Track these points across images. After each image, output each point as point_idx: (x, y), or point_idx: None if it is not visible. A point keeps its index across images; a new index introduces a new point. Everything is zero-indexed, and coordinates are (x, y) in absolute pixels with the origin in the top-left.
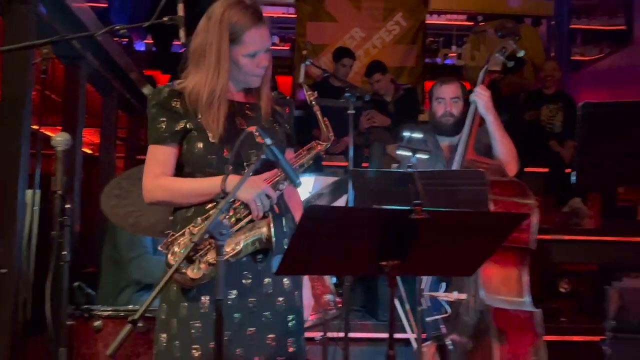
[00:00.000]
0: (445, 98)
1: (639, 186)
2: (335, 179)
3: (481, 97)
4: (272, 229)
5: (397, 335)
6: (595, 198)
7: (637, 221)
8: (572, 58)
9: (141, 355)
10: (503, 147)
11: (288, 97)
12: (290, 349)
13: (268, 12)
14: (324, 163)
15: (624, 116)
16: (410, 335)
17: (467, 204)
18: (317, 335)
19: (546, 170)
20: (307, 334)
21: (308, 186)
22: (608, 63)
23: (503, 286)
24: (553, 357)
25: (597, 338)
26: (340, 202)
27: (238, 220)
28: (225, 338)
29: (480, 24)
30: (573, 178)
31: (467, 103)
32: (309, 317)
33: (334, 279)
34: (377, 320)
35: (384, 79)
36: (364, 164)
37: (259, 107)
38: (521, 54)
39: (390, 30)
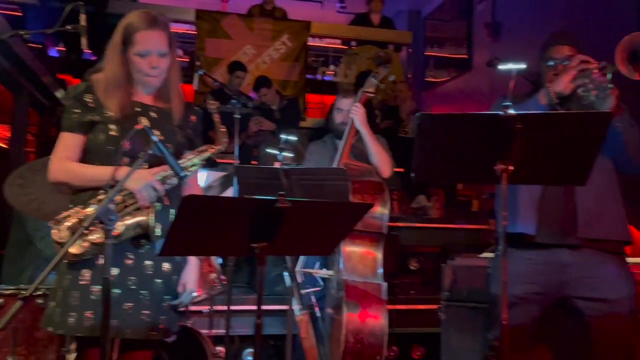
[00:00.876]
0: (343, 109)
1: (471, 184)
2: (224, 173)
3: (356, 114)
4: (153, 218)
5: (276, 307)
6: (440, 193)
7: (472, 212)
8: (425, 79)
9: (42, 329)
10: (375, 155)
11: (197, 108)
12: (162, 326)
13: (173, 28)
14: (217, 160)
15: (454, 126)
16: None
17: (332, 196)
18: (205, 309)
19: (402, 170)
20: (195, 308)
21: (201, 180)
22: (454, 84)
23: (360, 264)
24: (404, 322)
25: (437, 306)
26: (228, 193)
27: (126, 207)
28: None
29: (353, 47)
30: (412, 175)
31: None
32: (197, 292)
33: (220, 260)
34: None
35: (269, 92)
36: (253, 162)
37: (167, 111)
38: (392, 78)
39: (278, 49)
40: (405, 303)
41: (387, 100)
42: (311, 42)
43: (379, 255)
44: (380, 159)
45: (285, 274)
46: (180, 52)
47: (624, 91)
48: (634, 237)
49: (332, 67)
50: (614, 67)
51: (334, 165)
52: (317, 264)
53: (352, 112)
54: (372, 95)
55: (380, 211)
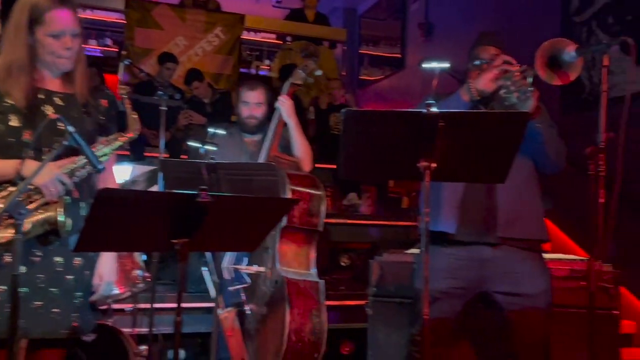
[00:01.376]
0: (250, 102)
1: (396, 181)
2: (150, 168)
3: (284, 105)
4: (62, 213)
5: (203, 304)
6: (371, 190)
7: (402, 209)
8: (360, 77)
9: None
10: (301, 148)
11: (107, 91)
12: (75, 324)
13: (103, 16)
14: (145, 154)
15: (379, 123)
16: (213, 304)
17: (261, 191)
18: (127, 307)
19: (334, 166)
20: (118, 306)
21: (126, 174)
22: (388, 83)
23: (294, 261)
24: (335, 318)
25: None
26: (154, 189)
27: (31, 203)
28: (7, 310)
29: (288, 42)
30: (340, 171)
31: (272, 107)
32: (120, 290)
33: (144, 256)
34: (185, 292)
35: (201, 86)
36: (182, 156)
37: (74, 97)
38: (318, 72)
39: (211, 41)
40: (335, 299)
41: (318, 97)
42: (246, 35)
43: (313, 252)
44: (305, 152)
45: (205, 269)
46: (109, 41)
47: (548, 93)
48: (552, 234)
49: (267, 61)
50: (534, 71)
51: (261, 159)
52: (245, 260)
53: (279, 103)
54: (298, 87)
55: (318, 208)
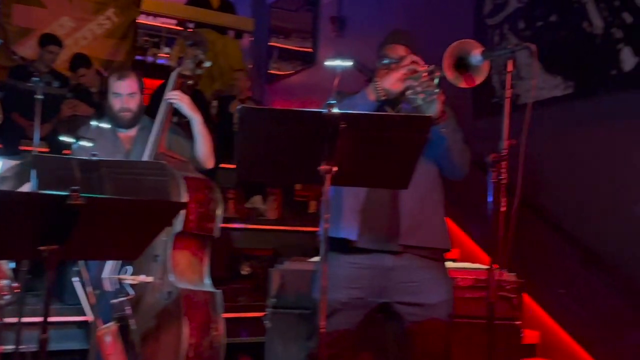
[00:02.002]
0: (121, 93)
1: (296, 184)
2: (20, 162)
3: (182, 101)
4: None
5: (78, 318)
6: (277, 193)
7: (309, 214)
8: (269, 71)
9: None
10: (204, 146)
11: None
12: None
13: None
14: (21, 147)
15: (278, 122)
16: (90, 318)
17: (150, 193)
18: None
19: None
20: None
21: None
22: (298, 79)
23: (189, 270)
24: (234, 331)
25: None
26: (26, 188)
27: None
28: None
29: (189, 29)
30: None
31: (152, 98)
32: None
33: (12, 264)
34: (63, 304)
35: (89, 73)
36: (65, 151)
37: None
38: (207, 64)
39: (102, 24)
40: (234, 311)
41: (222, 90)
42: (143, 19)
43: (207, 260)
44: (209, 150)
45: (75, 279)
46: None
47: (460, 96)
48: (460, 241)
49: (166, 49)
50: (442, 72)
51: (145, 157)
52: (129, 269)
53: (170, 97)
54: (188, 79)
55: (214, 212)
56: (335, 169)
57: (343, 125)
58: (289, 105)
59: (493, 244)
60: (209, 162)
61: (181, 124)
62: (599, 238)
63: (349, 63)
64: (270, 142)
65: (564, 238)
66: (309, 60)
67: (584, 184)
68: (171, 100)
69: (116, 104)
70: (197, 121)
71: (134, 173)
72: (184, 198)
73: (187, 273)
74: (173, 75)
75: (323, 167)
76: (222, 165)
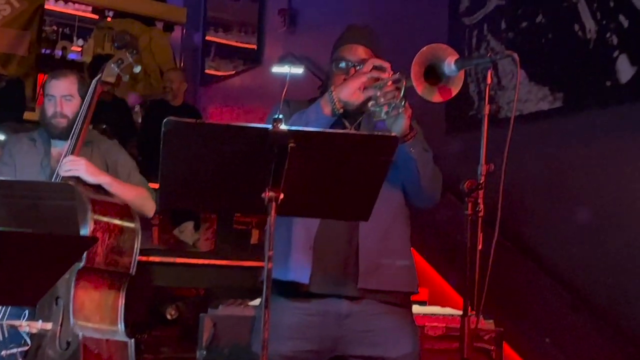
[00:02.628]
0: (55, 96)
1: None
2: None
3: (78, 168)
4: None
5: None
6: (212, 220)
7: (250, 245)
8: (205, 71)
9: None
10: (133, 202)
11: None
12: None
13: None
14: None
15: (213, 139)
16: None
17: (50, 221)
18: None
19: None
20: None
21: None
22: (240, 80)
23: (96, 314)
24: None
25: None
26: None
27: None
28: None
29: (108, 19)
30: (158, 199)
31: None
32: None
33: None
34: None
35: None
36: None
37: None
38: (137, 69)
39: (0, 11)
40: None
41: (152, 94)
42: (51, 5)
43: (121, 301)
44: (138, 202)
45: None
46: None
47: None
48: (430, 280)
49: (79, 41)
50: (410, 82)
51: (55, 175)
52: (25, 314)
53: (69, 169)
54: (110, 87)
55: (131, 244)
56: (281, 196)
57: (292, 145)
58: (229, 113)
59: (468, 285)
60: (145, 212)
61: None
62: (589, 278)
63: (299, 70)
64: (203, 162)
65: (550, 278)
66: (253, 59)
67: (574, 214)
68: (66, 174)
69: (49, 108)
70: (107, 185)
71: (32, 196)
72: (90, 226)
73: (93, 318)
74: (93, 84)
75: (267, 194)
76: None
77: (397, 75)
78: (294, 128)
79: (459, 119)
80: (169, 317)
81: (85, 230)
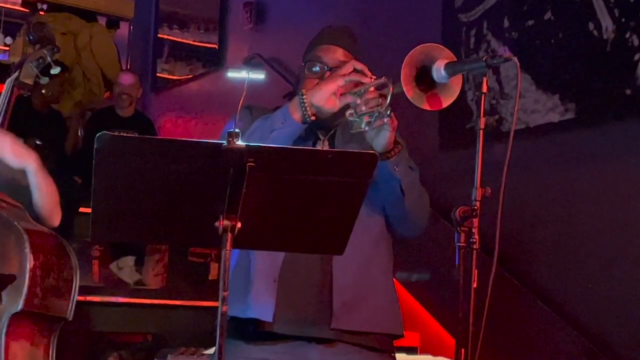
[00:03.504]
0: None
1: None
2: None
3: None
4: None
5: None
6: (162, 251)
7: (209, 282)
8: (157, 74)
9: None
10: (44, 199)
11: None
12: None
13: None
14: None
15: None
16: None
17: None
18: None
19: None
20: None
21: None
22: (198, 86)
23: None
24: None
25: None
26: None
27: None
28: None
29: (41, 13)
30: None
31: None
32: None
33: None
34: None
35: None
36: None
37: None
38: (56, 70)
39: None
40: None
41: (92, 102)
42: None
43: (52, 352)
44: (51, 204)
45: None
46: None
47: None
48: (421, 321)
49: (7, 39)
50: (398, 87)
51: None
52: None
53: None
54: (26, 90)
55: (69, 284)
56: (239, 225)
57: (251, 164)
58: (184, 124)
59: (460, 331)
60: (52, 220)
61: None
62: (609, 321)
63: (260, 75)
64: (144, 185)
65: (561, 319)
66: (214, 60)
67: (589, 244)
68: None
69: None
70: (31, 171)
71: None
72: (29, 262)
73: None
74: (8, 85)
75: (222, 223)
76: (82, 210)
77: (382, 80)
78: (252, 144)
79: (454, 132)
80: None
81: (26, 267)
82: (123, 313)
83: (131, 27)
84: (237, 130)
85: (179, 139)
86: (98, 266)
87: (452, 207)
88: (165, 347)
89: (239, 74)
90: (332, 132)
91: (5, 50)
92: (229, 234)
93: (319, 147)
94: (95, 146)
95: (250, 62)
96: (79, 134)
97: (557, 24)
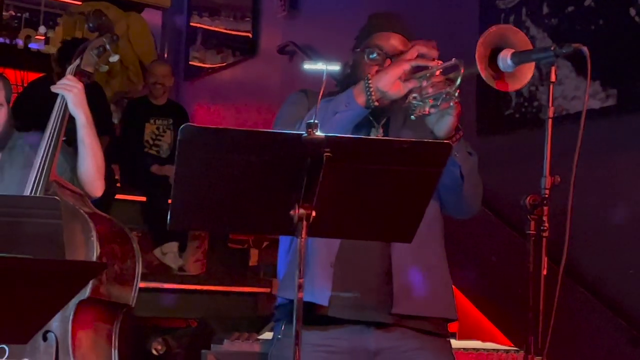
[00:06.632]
0: None
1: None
2: None
3: (71, 90)
4: None
5: None
6: (202, 238)
7: (249, 267)
8: (190, 63)
9: None
10: (90, 161)
11: None
12: None
13: None
14: None
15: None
16: None
17: (36, 241)
18: None
19: (143, 199)
20: None
21: None
22: (231, 74)
23: (93, 353)
24: None
25: None
26: None
27: None
28: None
29: (78, 3)
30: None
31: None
32: None
33: None
34: None
35: None
36: None
37: None
38: (115, 58)
39: None
40: None
41: (130, 91)
42: None
43: (115, 338)
44: (96, 168)
45: None
46: None
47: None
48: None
49: (42, 29)
50: (471, 69)
51: (28, 188)
52: (6, 351)
53: (62, 87)
54: (89, 78)
55: (132, 271)
56: (313, 214)
57: (328, 154)
58: (217, 111)
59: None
60: (95, 187)
61: None
62: None
63: (335, 67)
64: (223, 175)
65: (605, 307)
66: (247, 49)
67: (628, 229)
68: (59, 91)
69: None
70: (81, 122)
71: (9, 213)
72: (96, 251)
73: (90, 356)
74: (69, 72)
75: (297, 212)
76: (118, 197)
77: (452, 62)
78: (331, 135)
79: (493, 118)
80: (154, 352)
81: (93, 255)
82: (166, 299)
83: (164, 15)
84: (316, 121)
85: (260, 130)
86: None
87: (491, 193)
88: (209, 333)
89: (315, 66)
90: (385, 119)
91: (42, 40)
92: (304, 223)
93: (372, 136)
94: (178, 137)
95: (284, 50)
96: (115, 122)
97: (598, 10)
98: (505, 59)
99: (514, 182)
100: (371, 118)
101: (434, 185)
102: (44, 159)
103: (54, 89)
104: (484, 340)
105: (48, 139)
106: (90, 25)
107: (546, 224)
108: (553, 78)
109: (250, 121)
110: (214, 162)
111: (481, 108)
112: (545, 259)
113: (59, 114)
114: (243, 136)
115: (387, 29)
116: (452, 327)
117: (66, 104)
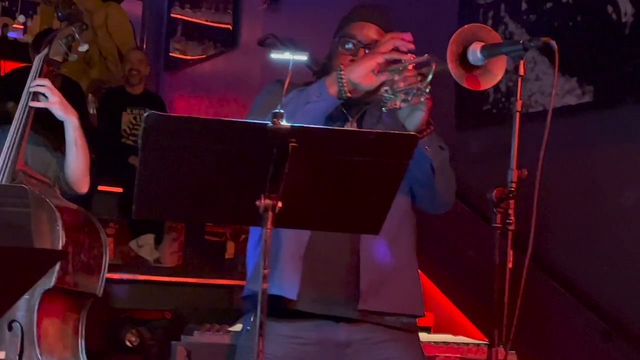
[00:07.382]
0: None
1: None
2: None
3: (53, 104)
4: None
5: None
6: (179, 229)
7: (225, 260)
8: (169, 54)
9: None
10: (79, 160)
11: None
12: None
13: None
14: None
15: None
16: None
17: (4, 230)
18: None
19: (120, 189)
20: None
21: None
22: (211, 66)
23: (59, 343)
24: None
25: None
26: None
27: None
28: None
29: None
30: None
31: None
32: None
33: None
34: None
35: None
36: None
37: None
38: (84, 48)
39: None
40: None
41: (102, 80)
42: None
43: (82, 328)
44: (83, 166)
45: None
46: None
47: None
48: (435, 303)
49: (21, 17)
50: (442, 65)
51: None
52: None
53: (37, 89)
54: (55, 67)
55: (98, 260)
56: (279, 204)
57: (293, 144)
58: (197, 103)
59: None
60: (82, 184)
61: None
62: (625, 302)
63: (303, 57)
64: (189, 164)
65: (577, 301)
66: (227, 41)
67: (604, 227)
68: (36, 90)
69: None
70: (72, 125)
71: None
72: (61, 240)
73: (57, 348)
74: (37, 62)
75: (263, 202)
76: (100, 188)
77: (424, 57)
78: (297, 125)
79: (471, 114)
80: (128, 344)
81: (58, 244)
82: (141, 290)
83: (144, 6)
84: (282, 111)
85: (225, 119)
86: (113, 243)
87: (469, 187)
88: (183, 325)
89: (282, 55)
90: (360, 114)
91: (20, 29)
92: (270, 213)
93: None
94: (143, 125)
95: (265, 43)
96: (92, 111)
97: (576, 7)
98: (475, 51)
99: (491, 177)
100: (345, 111)
101: (401, 176)
102: (10, 148)
103: (33, 85)
104: (458, 334)
105: (15, 127)
106: (60, 14)
107: (512, 218)
108: (522, 72)
109: (231, 113)
110: (178, 151)
111: (460, 103)
112: (510, 252)
113: (25, 104)
114: (208, 125)
115: (363, 19)
116: (428, 321)
117: (32, 94)
